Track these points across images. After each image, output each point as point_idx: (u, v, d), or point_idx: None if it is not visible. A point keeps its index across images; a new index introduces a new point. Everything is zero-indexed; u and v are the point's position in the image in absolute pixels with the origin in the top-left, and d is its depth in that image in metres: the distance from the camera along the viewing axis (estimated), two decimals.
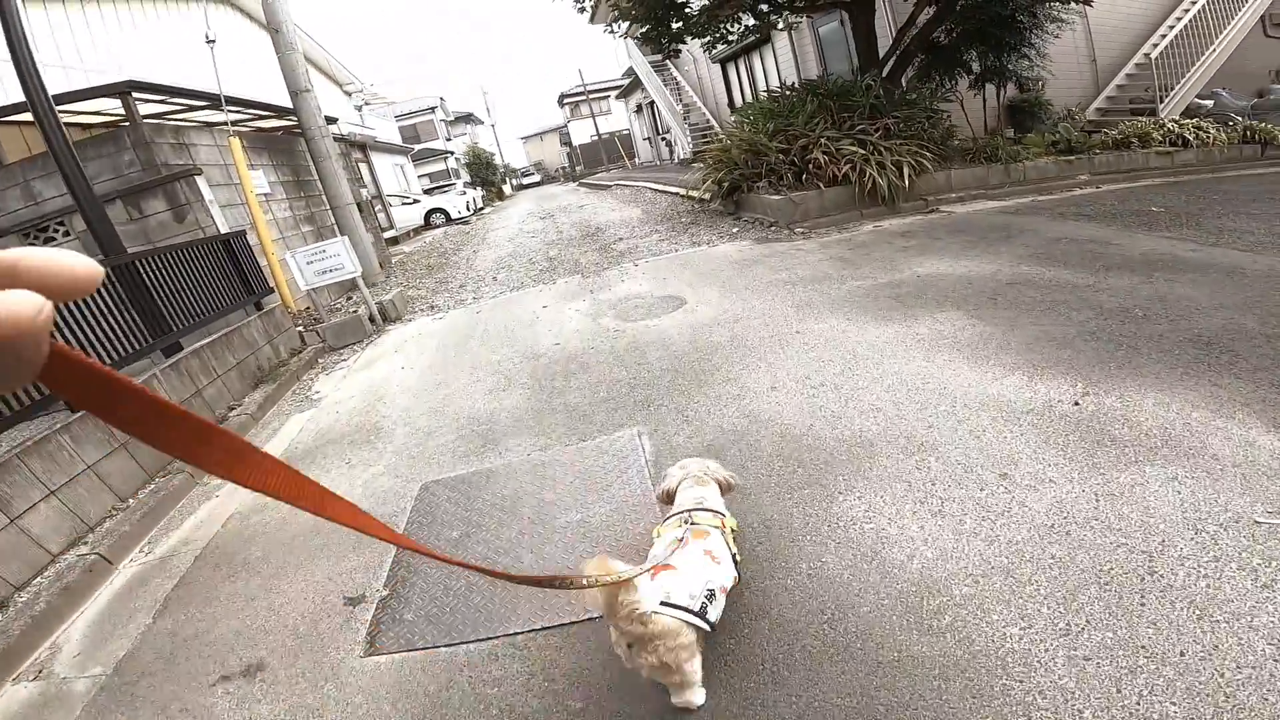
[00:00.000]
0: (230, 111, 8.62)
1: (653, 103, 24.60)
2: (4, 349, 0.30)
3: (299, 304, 8.06)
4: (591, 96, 43.94)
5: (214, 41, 7.59)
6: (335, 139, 13.71)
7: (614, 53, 26.06)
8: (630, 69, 24.26)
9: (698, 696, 1.56)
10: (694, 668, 1.49)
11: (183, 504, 3.75)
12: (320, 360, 6.71)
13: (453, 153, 36.46)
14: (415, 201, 21.26)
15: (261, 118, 9.76)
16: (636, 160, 32.37)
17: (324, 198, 10.07)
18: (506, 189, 43.03)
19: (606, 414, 3.49)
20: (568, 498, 2.84)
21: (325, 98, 18.30)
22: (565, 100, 49.69)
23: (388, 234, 17.76)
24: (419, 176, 31.38)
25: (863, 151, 7.18)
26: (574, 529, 2.62)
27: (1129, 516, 2.08)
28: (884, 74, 8.55)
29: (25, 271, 0.33)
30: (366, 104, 26.37)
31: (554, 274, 7.81)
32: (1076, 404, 2.75)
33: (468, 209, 21.82)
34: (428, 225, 20.85)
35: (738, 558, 1.77)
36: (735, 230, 7.96)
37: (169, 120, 7.91)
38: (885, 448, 2.67)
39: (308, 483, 0.57)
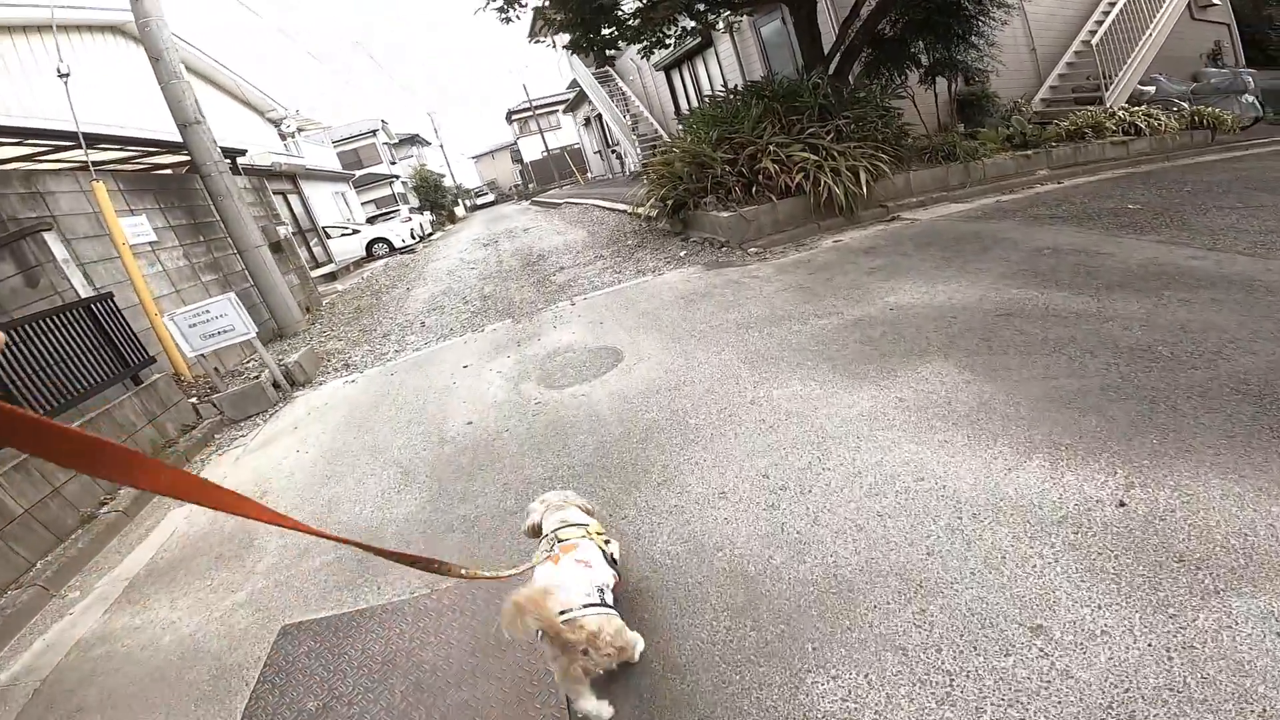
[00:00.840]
0: (103, 150, 7.62)
1: (600, 115, 23.91)
2: None
3: (195, 370, 7.06)
4: (539, 112, 43.12)
5: (67, 75, 6.61)
6: (250, 171, 12.68)
7: (557, 66, 25.33)
8: (574, 81, 23.54)
9: (641, 644, 1.82)
10: (632, 634, 1.75)
11: (36, 620, 3.20)
12: (216, 437, 5.79)
13: (398, 176, 35.26)
14: (355, 232, 20.17)
15: (147, 153, 8.72)
16: (589, 175, 31.64)
17: (230, 240, 9.06)
18: (460, 210, 41.86)
19: (510, 533, 2.68)
20: (455, 662, 2.08)
21: (241, 126, 17.25)
22: (513, 117, 48.79)
23: (325, 269, 16.68)
24: (363, 204, 30.17)
25: (815, 158, 6.52)
26: (461, 712, 1.88)
27: (1219, 682, 1.41)
28: (830, 71, 7.94)
29: None
30: (300, 130, 25.17)
31: (485, 317, 6.97)
32: (1122, 505, 2.03)
33: (412, 236, 20.80)
34: (370, 256, 19.77)
35: (615, 556, 1.97)
36: (683, 253, 7.22)
37: (21, 165, 6.88)
38: (869, 591, 1.91)
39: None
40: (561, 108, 35.22)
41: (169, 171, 9.39)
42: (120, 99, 11.04)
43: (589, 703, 1.58)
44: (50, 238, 5.92)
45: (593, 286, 6.92)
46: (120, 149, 7.68)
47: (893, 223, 6.59)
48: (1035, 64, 11.14)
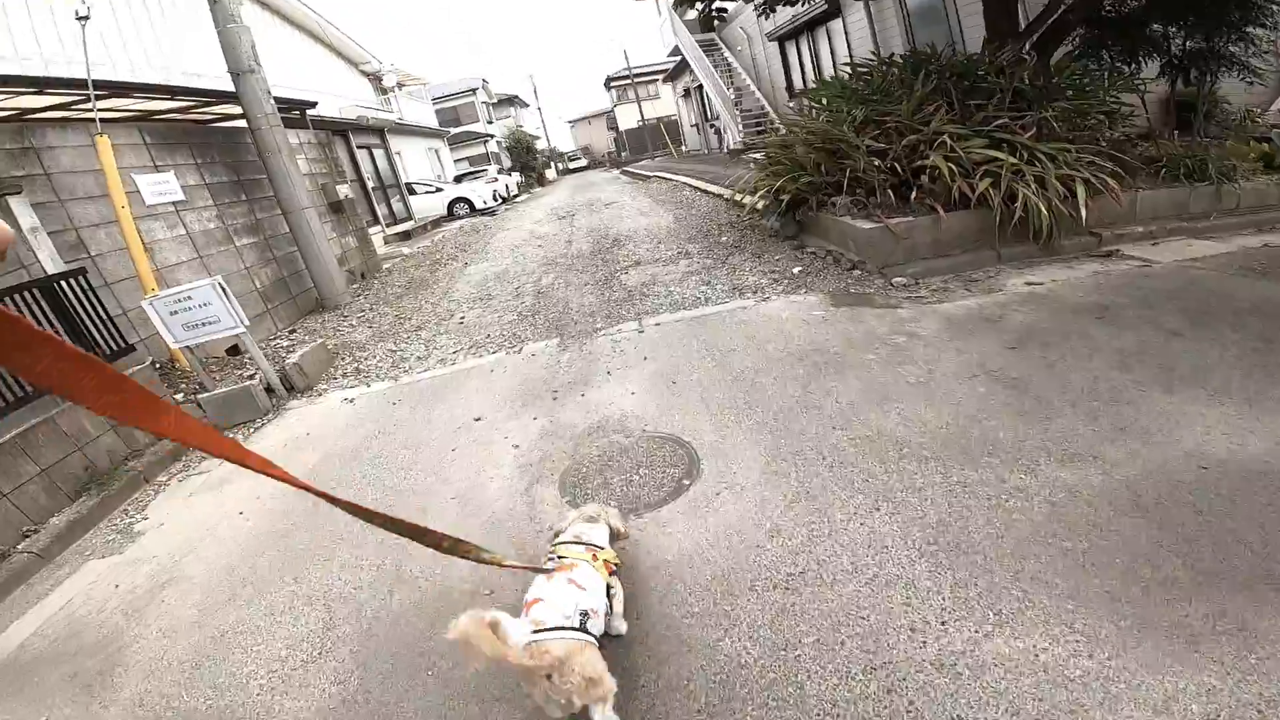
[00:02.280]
0: (136, 98, 6.37)
1: (701, 86, 21.67)
2: None
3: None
4: (637, 80, 40.87)
5: (86, 19, 5.32)
6: (324, 124, 11.45)
7: (659, 32, 23.14)
8: (676, 48, 21.33)
9: (613, 685, 1.49)
10: (604, 668, 1.48)
11: None
12: (186, 454, 4.49)
13: (493, 136, 34.17)
14: (438, 190, 19.02)
15: (192, 105, 7.48)
16: (684, 148, 29.47)
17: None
18: (550, 173, 40.68)
19: None
20: None
21: (330, 77, 16.18)
22: (611, 83, 46.70)
23: (402, 227, 15.59)
24: (456, 161, 29.25)
25: (1011, 159, 4.43)
26: None
27: None
28: (1024, 50, 5.69)
29: None
30: (400, 86, 24.26)
31: (529, 327, 5.34)
32: None
33: (495, 198, 19.48)
34: (450, 215, 18.62)
35: (614, 589, 1.76)
36: (797, 269, 5.30)
37: (43, 115, 5.73)
38: None
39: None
40: (660, 77, 32.99)
41: (215, 123, 8.14)
42: (175, 43, 9.97)
43: None
44: (17, 202, 4.66)
45: (671, 302, 5.15)
46: (137, 96, 6.41)
47: (1113, 261, 4.44)
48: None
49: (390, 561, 2.44)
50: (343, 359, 5.65)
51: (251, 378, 4.99)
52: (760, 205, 6.39)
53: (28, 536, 3.48)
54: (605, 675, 1.46)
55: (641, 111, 39.74)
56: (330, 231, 9.27)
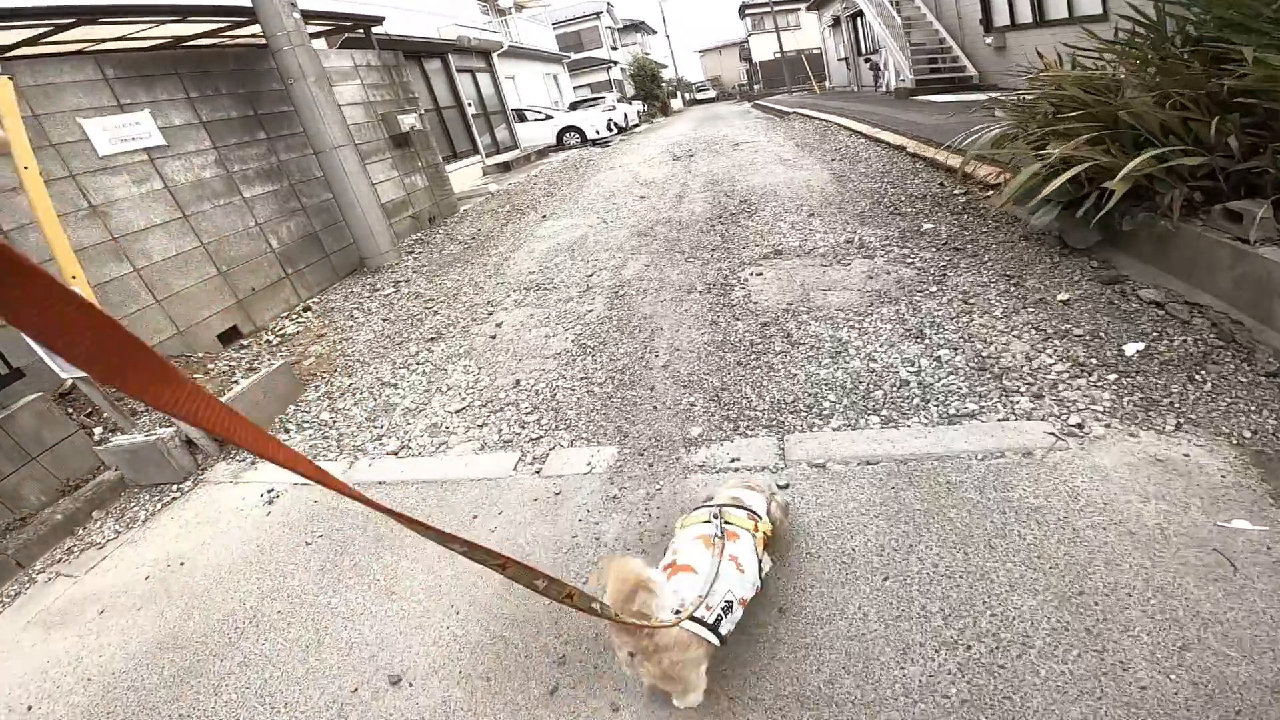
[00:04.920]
0: (104, 23, 4.30)
1: (856, 14, 17.27)
2: None
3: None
4: (777, 8, 35.45)
5: None
6: (396, 45, 9.15)
7: None
8: None
9: (697, 699, 1.27)
10: (699, 677, 1.23)
11: None
12: (88, 527, 2.64)
13: (616, 63, 30.91)
14: (548, 118, 16.56)
15: (186, 36, 5.38)
16: (828, 84, 24.90)
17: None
18: (676, 103, 37.04)
19: None
20: None
21: None
22: (747, 11, 41.14)
23: (503, 157, 13.40)
24: (577, 88, 26.56)
25: None
26: None
27: None
28: None
29: None
30: (518, 7, 21.61)
31: (576, 391, 2.92)
32: None
33: (610, 128, 16.76)
34: (559, 145, 16.21)
35: (765, 566, 1.45)
36: (1134, 348, 2.38)
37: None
38: None
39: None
40: (804, 5, 27.92)
41: (221, 47, 6.02)
42: None
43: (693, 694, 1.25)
44: None
45: (847, 380, 2.49)
46: (128, 20, 4.38)
47: None
48: None
49: None
50: (316, 387, 3.54)
51: (153, 436, 2.96)
52: (1024, 189, 3.31)
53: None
54: (691, 679, 1.20)
55: (780, 42, 34.53)
56: (390, 170, 7.17)
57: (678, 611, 1.17)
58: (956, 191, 4.67)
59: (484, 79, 14.24)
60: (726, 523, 1.42)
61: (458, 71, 12.61)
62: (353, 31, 7.83)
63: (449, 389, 3.23)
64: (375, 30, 8.16)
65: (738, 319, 3.17)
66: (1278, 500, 1.67)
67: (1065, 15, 8.68)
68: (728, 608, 1.25)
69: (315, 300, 5.53)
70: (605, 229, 5.56)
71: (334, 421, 3.18)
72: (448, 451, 2.68)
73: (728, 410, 2.49)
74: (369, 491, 2.48)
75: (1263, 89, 2.22)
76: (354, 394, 3.41)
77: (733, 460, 2.22)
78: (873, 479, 1.99)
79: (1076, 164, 2.67)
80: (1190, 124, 2.48)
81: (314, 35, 7.51)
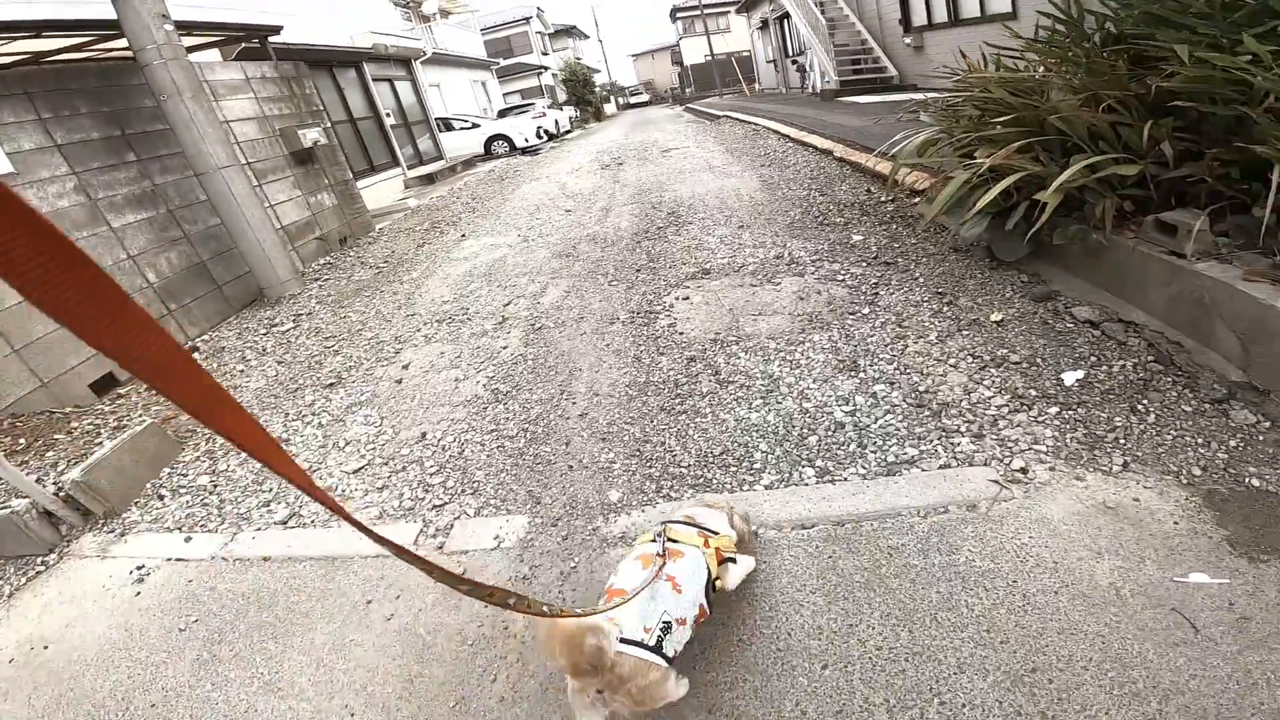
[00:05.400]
0: None
1: (783, 17, 17.50)
2: None
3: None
4: (707, 11, 35.81)
5: None
6: (299, 55, 8.50)
7: None
8: None
9: (683, 690, 1.24)
10: (673, 686, 1.20)
11: None
12: None
13: (547, 68, 30.45)
14: (475, 126, 15.99)
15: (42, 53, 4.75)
16: (757, 86, 25.21)
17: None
18: (610, 107, 36.87)
19: None
20: None
21: (361, 4, 13.01)
22: (678, 15, 41.45)
23: (427, 168, 12.79)
24: (507, 94, 25.96)
25: None
26: None
27: None
28: None
29: None
30: (444, 13, 20.93)
31: (487, 447, 2.57)
32: None
33: (540, 135, 16.32)
34: (488, 154, 15.67)
35: (719, 583, 1.38)
36: (1073, 377, 2.25)
37: None
38: None
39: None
40: (733, 8, 28.25)
41: (94, 61, 5.37)
42: None
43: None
44: None
45: (779, 423, 2.25)
46: None
47: None
48: None
49: None
50: (196, 445, 3.08)
51: (6, 507, 2.45)
52: (954, 198, 3.17)
53: None
54: (671, 693, 1.19)
55: (710, 45, 34.88)
56: (291, 190, 6.60)
57: (623, 639, 1.15)
58: (884, 199, 4.57)
59: (404, 87, 13.58)
60: (671, 539, 1.38)
61: (375, 80, 11.96)
62: (247, 42, 7.20)
63: (347, 444, 2.85)
64: (273, 40, 7.53)
65: (662, 353, 2.90)
66: (1236, 547, 1.55)
67: (978, 14, 8.87)
68: (666, 628, 1.20)
69: (205, 338, 4.97)
70: (526, 249, 5.21)
71: (215, 486, 2.75)
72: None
73: (650, 468, 2.21)
74: (250, 570, 2.11)
75: (1197, 90, 2.11)
76: (239, 453, 2.98)
77: (659, 514, 1.95)
78: (808, 547, 1.76)
79: (1007, 174, 2.52)
80: (1120, 129, 2.37)
81: (201, 46, 6.87)
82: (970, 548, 1.65)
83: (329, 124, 7.50)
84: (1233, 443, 1.85)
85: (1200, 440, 1.87)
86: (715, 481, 2.07)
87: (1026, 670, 1.32)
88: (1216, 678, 1.25)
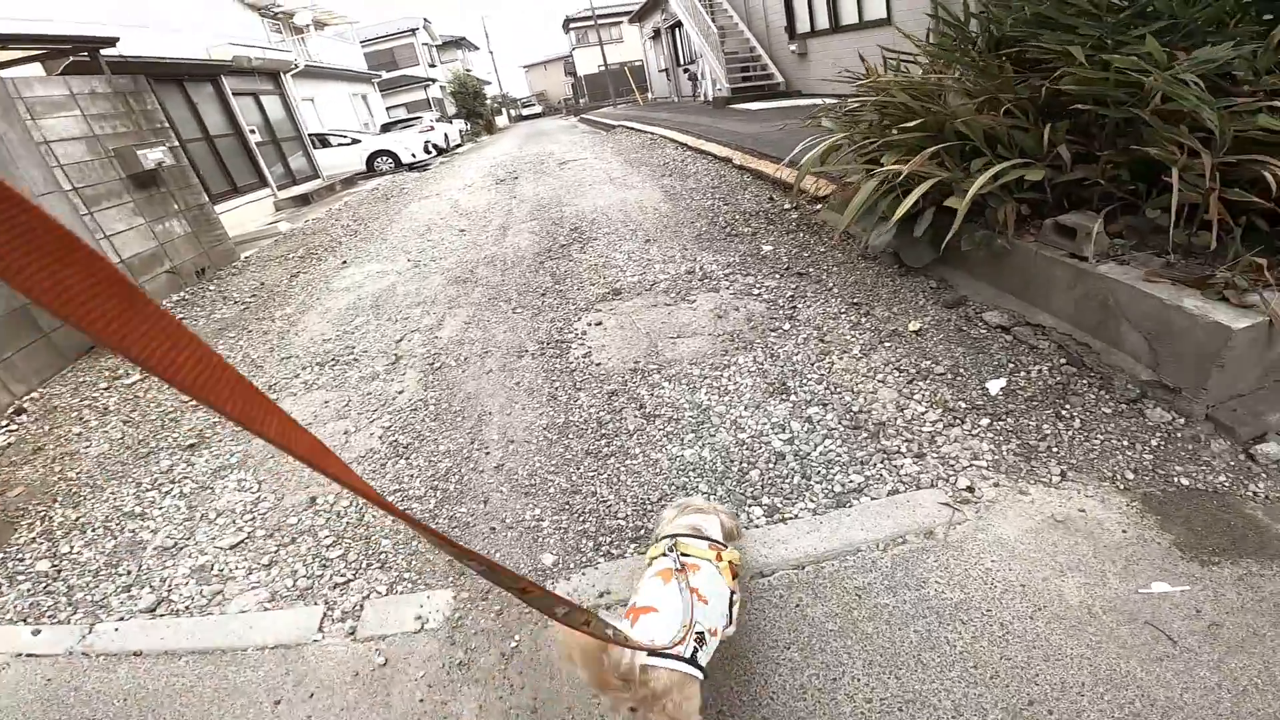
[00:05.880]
0: None
1: (674, 26, 17.86)
2: None
3: None
4: (600, 21, 36.08)
5: None
6: (159, 69, 7.57)
7: None
8: None
9: None
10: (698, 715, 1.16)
11: None
12: None
13: (435, 80, 29.39)
14: (355, 142, 15.01)
15: None
16: (650, 95, 25.56)
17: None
18: (502, 120, 36.15)
19: None
20: None
21: (197, 12, 11.78)
22: (571, 25, 41.46)
23: (302, 188, 11.79)
24: (391, 107, 24.76)
25: None
26: None
27: None
28: None
29: None
30: (318, 25, 19.63)
31: (383, 528, 2.22)
32: None
33: (428, 151, 15.58)
34: (371, 171, 14.74)
35: (736, 597, 1.34)
36: (996, 385, 2.24)
37: None
38: None
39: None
40: (627, 18, 28.61)
41: None
42: None
43: None
44: None
45: (714, 455, 2.08)
46: None
47: None
48: None
49: None
50: (31, 525, 2.50)
51: None
52: (864, 206, 3.14)
53: None
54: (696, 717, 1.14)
55: (604, 55, 35.09)
56: (132, 217, 5.77)
57: (650, 652, 1.12)
58: (788, 206, 4.59)
59: (272, 102, 12.49)
60: (684, 554, 1.34)
61: (237, 95, 10.89)
62: (76, 55, 6.26)
63: (219, 515, 2.40)
64: (109, 53, 6.61)
65: (579, 389, 2.66)
66: (1185, 551, 1.58)
67: (856, 20, 9.33)
68: (700, 639, 1.18)
69: (35, 396, 4.17)
70: (418, 275, 4.78)
71: (59, 571, 2.24)
72: (226, 606, 1.96)
73: (583, 523, 1.97)
74: (119, 667, 1.73)
75: (1089, 92, 2.15)
76: (85, 531, 2.45)
77: (601, 595, 1.72)
78: (772, 598, 1.61)
79: (919, 181, 2.51)
80: (1015, 133, 2.40)
81: (18, 61, 5.88)
82: (937, 579, 1.58)
83: (177, 143, 6.64)
84: (1154, 442, 1.88)
85: (1125, 442, 1.89)
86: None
87: (1024, 704, 1.26)
88: (1207, 688, 1.23)
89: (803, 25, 11.23)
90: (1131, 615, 1.40)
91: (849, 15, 9.55)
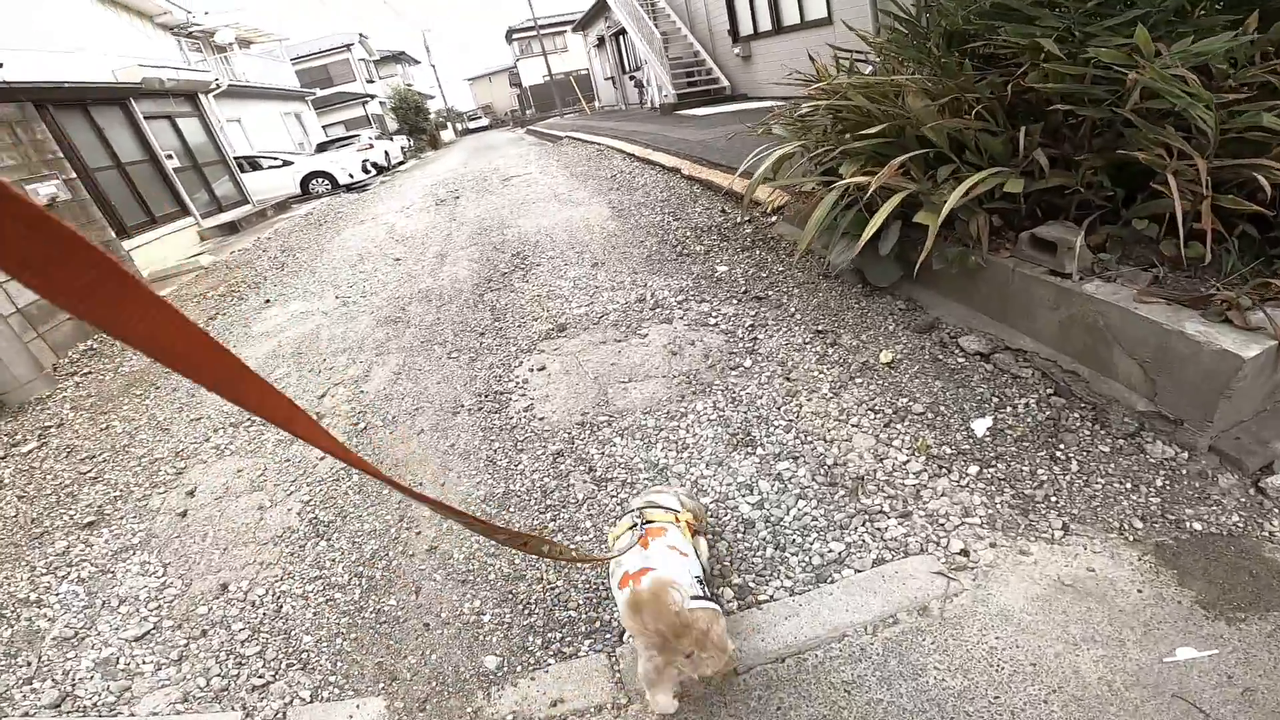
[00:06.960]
0: None
1: (618, 34, 17.74)
2: None
3: None
4: (544, 31, 35.80)
5: None
6: (70, 90, 6.95)
7: None
8: None
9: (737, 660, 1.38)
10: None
11: None
12: None
13: (374, 96, 28.63)
14: (287, 164, 14.36)
15: None
16: (597, 104, 25.40)
17: None
18: (448, 134, 35.52)
19: None
20: None
21: (100, 32, 11.01)
22: (514, 36, 41.12)
23: (230, 215, 11.14)
24: (328, 126, 23.98)
25: None
26: None
27: None
28: None
29: None
30: (244, 43, 18.87)
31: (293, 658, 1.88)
32: None
33: (367, 169, 15.00)
34: (306, 194, 14.10)
35: (700, 550, 1.44)
36: (982, 425, 2.04)
37: None
38: None
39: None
40: (570, 27, 28.45)
41: None
42: None
43: (663, 698, 1.23)
44: None
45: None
46: None
47: None
48: None
49: None
50: None
51: None
52: (825, 222, 2.90)
53: None
54: (734, 648, 1.30)
55: (548, 66, 34.82)
56: None
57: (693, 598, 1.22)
58: (741, 219, 4.39)
59: (191, 124, 11.78)
60: (648, 522, 1.43)
61: (150, 119, 10.22)
62: None
63: (122, 602, 2.09)
64: None
65: (521, 450, 2.36)
66: (1209, 610, 1.40)
67: (798, 21, 9.30)
68: (700, 583, 1.28)
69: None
70: (345, 316, 4.39)
71: None
72: (135, 703, 1.70)
73: (530, 616, 1.69)
74: None
75: (1064, 90, 1.98)
76: None
77: (554, 704, 1.44)
78: (749, 701, 1.37)
79: (885, 195, 2.31)
80: (982, 137, 2.22)
81: None
82: (936, 664, 1.37)
83: (74, 175, 6.07)
84: (1159, 482, 1.70)
85: (1129, 485, 1.70)
86: (617, 626, 1.59)
87: None
88: None
89: (745, 28, 11.19)
90: (1157, 688, 1.23)
91: (791, 16, 9.53)
